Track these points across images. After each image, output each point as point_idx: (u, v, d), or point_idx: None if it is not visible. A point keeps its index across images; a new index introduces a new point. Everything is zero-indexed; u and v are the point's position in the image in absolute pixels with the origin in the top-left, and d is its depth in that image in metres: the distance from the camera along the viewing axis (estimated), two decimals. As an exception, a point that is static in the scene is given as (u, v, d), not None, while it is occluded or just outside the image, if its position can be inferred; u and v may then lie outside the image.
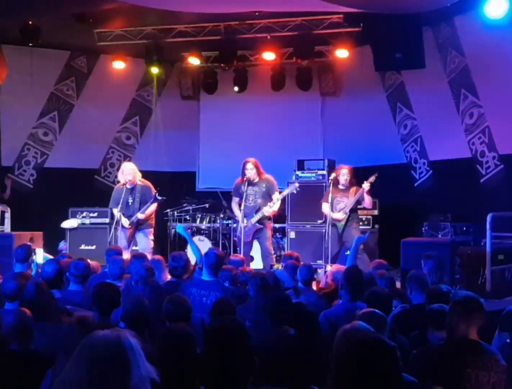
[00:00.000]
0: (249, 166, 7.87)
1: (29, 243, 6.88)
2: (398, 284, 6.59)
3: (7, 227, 9.41)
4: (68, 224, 9.81)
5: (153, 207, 7.74)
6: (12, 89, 10.61)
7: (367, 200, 8.19)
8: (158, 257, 6.39)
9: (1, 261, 7.30)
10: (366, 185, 7.99)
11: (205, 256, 5.41)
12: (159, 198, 7.60)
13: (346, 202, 8.20)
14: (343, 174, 8.24)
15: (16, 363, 3.18)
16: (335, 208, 8.24)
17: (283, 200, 8.91)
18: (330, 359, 2.32)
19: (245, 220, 7.84)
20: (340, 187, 8.35)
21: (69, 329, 3.07)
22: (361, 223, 9.16)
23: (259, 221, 7.89)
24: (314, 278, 5.94)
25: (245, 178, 7.87)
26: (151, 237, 7.87)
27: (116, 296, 4.19)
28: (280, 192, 8.10)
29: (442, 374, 3.00)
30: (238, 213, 8.00)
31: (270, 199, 7.95)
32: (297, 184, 8.39)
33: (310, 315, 3.62)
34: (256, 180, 7.96)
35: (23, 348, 3.36)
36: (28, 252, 5.95)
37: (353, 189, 8.23)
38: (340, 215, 8.15)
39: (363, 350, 2.14)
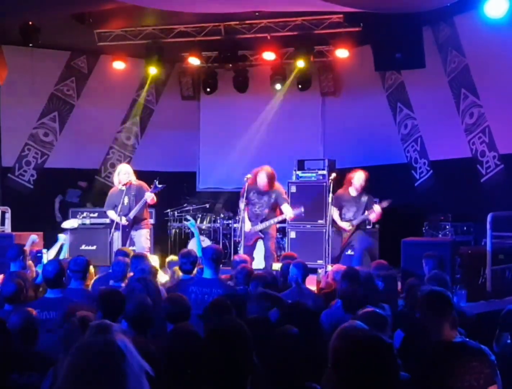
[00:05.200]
0: (262, 175, 7.69)
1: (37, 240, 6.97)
2: (398, 284, 6.60)
3: (7, 228, 9.42)
4: (68, 224, 9.80)
5: (155, 197, 7.75)
6: (12, 90, 10.61)
7: (374, 218, 8.10)
8: (152, 256, 6.43)
9: (1, 261, 7.30)
10: (377, 208, 7.74)
11: (203, 251, 5.42)
12: (159, 186, 7.61)
13: (354, 211, 8.02)
14: (359, 178, 7.91)
15: (19, 363, 3.19)
16: (343, 215, 8.03)
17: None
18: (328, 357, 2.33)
19: (248, 226, 7.78)
20: (352, 192, 8.02)
21: (71, 328, 3.07)
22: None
23: (263, 229, 7.81)
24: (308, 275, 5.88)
25: (253, 185, 7.75)
26: (148, 237, 7.94)
27: (121, 303, 4.16)
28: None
29: (419, 379, 2.91)
30: (246, 216, 7.85)
31: (277, 208, 7.83)
32: (302, 209, 7.92)
33: (310, 314, 3.62)
34: (266, 189, 7.78)
35: (26, 348, 3.36)
36: (18, 250, 5.97)
37: (364, 198, 7.93)
38: (346, 226, 7.99)
39: (360, 347, 2.16)
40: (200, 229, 10.94)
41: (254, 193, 7.78)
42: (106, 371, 1.55)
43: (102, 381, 1.54)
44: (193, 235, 10.45)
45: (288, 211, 7.76)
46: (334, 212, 8.10)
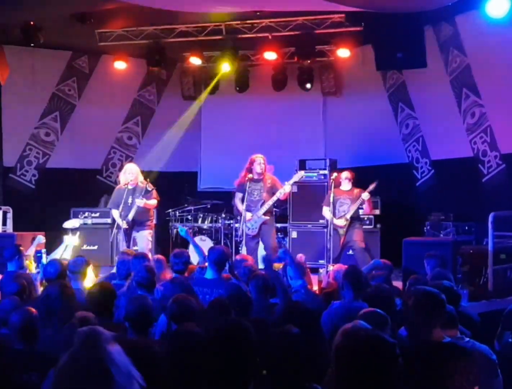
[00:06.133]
0: (260, 161, 8.13)
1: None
2: (399, 284, 6.60)
3: (9, 228, 9.43)
4: (70, 224, 9.80)
5: (154, 201, 7.73)
6: (13, 90, 10.62)
7: (367, 208, 8.29)
8: (159, 256, 6.41)
9: (1, 262, 7.31)
10: (365, 195, 8.01)
11: (210, 251, 5.42)
12: (150, 188, 7.61)
13: (349, 204, 8.11)
14: (345, 177, 8.28)
15: (20, 363, 3.19)
16: (337, 210, 8.14)
17: (285, 200, 8.97)
18: (331, 357, 2.32)
19: (249, 214, 8.00)
20: (343, 188, 8.31)
21: (71, 329, 3.07)
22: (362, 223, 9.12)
23: (265, 214, 8.05)
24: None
25: (248, 177, 8.04)
26: (150, 238, 7.85)
27: (109, 295, 4.18)
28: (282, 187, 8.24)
29: (406, 379, 2.88)
30: (242, 207, 8.07)
31: (274, 194, 8.11)
32: (303, 172, 8.59)
33: (311, 313, 3.62)
34: (261, 177, 8.15)
35: (27, 347, 3.37)
36: (14, 250, 5.98)
37: (357, 191, 8.17)
38: (341, 222, 8.06)
39: (362, 346, 2.15)
40: (201, 229, 10.95)
41: (251, 182, 8.05)
42: (90, 384, 1.55)
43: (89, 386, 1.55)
44: (194, 235, 10.46)
45: (287, 187, 8.13)
46: (326, 212, 8.19)
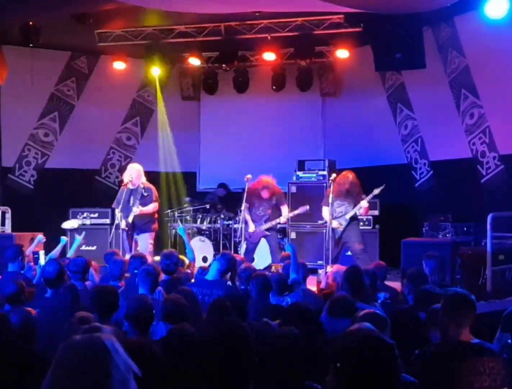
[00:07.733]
0: (268, 186, 8.55)
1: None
2: (398, 284, 6.61)
3: (7, 228, 9.43)
4: (68, 224, 9.81)
5: (151, 206, 7.71)
6: (12, 90, 10.62)
7: (363, 212, 8.25)
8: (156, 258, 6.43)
9: (1, 262, 7.31)
10: (364, 203, 7.93)
11: (221, 258, 5.44)
12: (145, 194, 7.66)
13: (346, 206, 8.05)
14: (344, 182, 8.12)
15: (19, 363, 3.19)
16: (334, 211, 8.08)
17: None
18: (330, 357, 2.33)
19: (252, 226, 8.56)
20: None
21: (70, 329, 3.07)
22: (361, 224, 9.12)
23: (267, 229, 8.62)
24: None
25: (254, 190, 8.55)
26: (151, 241, 7.79)
27: (115, 298, 4.18)
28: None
29: (435, 377, 2.93)
30: (249, 218, 8.63)
31: (278, 209, 8.66)
32: (307, 207, 8.77)
33: (312, 314, 3.62)
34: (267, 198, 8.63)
35: (27, 347, 3.37)
36: (16, 251, 5.97)
37: (355, 194, 8.07)
38: (336, 225, 8.03)
39: (361, 347, 2.16)
40: (200, 230, 10.94)
41: (257, 197, 8.53)
42: (90, 368, 1.56)
43: (85, 378, 1.55)
44: (193, 236, 10.46)
45: (285, 214, 8.70)
46: (325, 211, 8.17)
